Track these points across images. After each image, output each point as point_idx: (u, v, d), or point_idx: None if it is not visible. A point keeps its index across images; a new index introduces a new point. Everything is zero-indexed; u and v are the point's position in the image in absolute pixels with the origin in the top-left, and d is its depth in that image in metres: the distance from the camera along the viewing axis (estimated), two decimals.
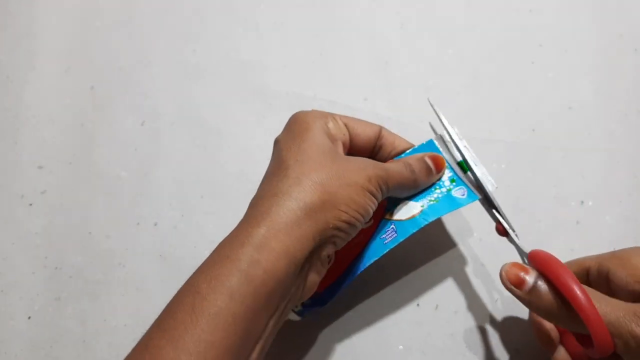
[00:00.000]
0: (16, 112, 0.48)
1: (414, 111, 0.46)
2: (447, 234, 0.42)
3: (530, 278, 0.30)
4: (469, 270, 0.41)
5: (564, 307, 0.29)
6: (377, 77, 0.47)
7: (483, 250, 0.41)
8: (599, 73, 0.46)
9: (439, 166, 0.37)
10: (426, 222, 0.35)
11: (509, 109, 0.45)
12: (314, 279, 0.32)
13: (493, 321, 0.40)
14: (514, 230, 0.35)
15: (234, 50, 0.49)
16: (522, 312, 0.40)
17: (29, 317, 0.42)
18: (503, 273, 0.31)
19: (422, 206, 0.36)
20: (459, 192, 0.37)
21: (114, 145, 0.47)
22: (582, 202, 0.42)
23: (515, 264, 0.31)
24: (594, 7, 0.47)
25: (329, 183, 0.31)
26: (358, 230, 0.33)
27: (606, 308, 0.28)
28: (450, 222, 0.42)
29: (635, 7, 0.47)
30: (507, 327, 0.39)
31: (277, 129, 0.46)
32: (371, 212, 0.33)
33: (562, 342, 0.36)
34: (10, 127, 0.48)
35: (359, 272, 0.35)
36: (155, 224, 0.44)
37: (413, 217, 0.36)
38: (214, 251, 0.30)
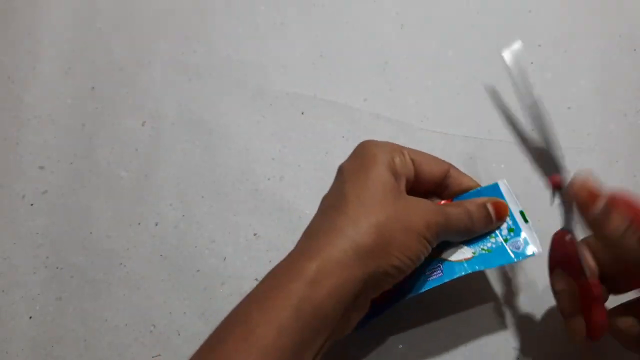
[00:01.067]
0: (17, 112, 0.48)
1: (414, 111, 0.46)
2: None
3: (601, 200, 0.29)
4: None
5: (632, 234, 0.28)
6: (377, 77, 0.47)
7: None
8: (598, 73, 0.46)
9: (501, 215, 0.36)
10: (473, 271, 0.34)
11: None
12: (356, 317, 0.32)
13: (493, 321, 0.40)
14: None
15: (234, 50, 0.49)
16: (522, 312, 0.40)
17: (30, 317, 0.42)
18: (573, 189, 0.30)
19: (473, 253, 0.35)
20: (514, 245, 0.35)
21: (114, 145, 0.47)
22: None
23: (584, 184, 0.30)
24: (593, 8, 0.48)
25: (387, 226, 0.30)
26: (407, 274, 0.32)
27: None
28: None
29: (635, 8, 0.47)
30: (507, 326, 0.39)
31: (277, 129, 0.46)
32: (423, 258, 0.32)
33: (582, 312, 0.34)
34: (12, 127, 0.48)
35: (394, 304, 0.35)
36: (156, 224, 0.44)
37: (463, 260, 0.35)
38: (264, 279, 0.30)
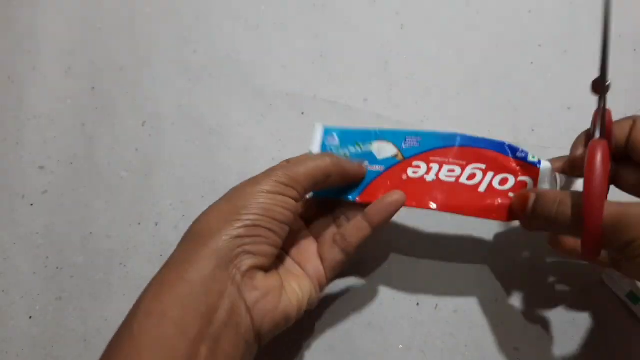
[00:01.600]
0: (17, 112, 0.48)
1: (414, 111, 0.46)
2: (446, 233, 0.42)
3: (530, 200, 0.32)
4: (469, 269, 0.41)
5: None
6: (377, 77, 0.47)
7: (482, 251, 0.41)
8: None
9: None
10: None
11: (509, 109, 0.45)
12: (252, 295, 0.30)
13: (492, 320, 0.40)
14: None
15: (234, 50, 0.49)
16: (522, 311, 0.40)
17: (30, 317, 0.42)
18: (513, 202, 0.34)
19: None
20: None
21: (114, 145, 0.47)
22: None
23: (514, 199, 0.34)
24: (593, 8, 0.48)
25: (220, 207, 0.32)
26: (279, 233, 0.32)
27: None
28: (450, 223, 0.42)
29: (635, 8, 0.47)
30: (506, 326, 0.39)
31: (278, 129, 0.46)
32: (282, 211, 0.32)
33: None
34: (12, 127, 0.48)
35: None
36: (156, 224, 0.44)
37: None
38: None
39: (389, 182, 0.36)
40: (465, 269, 0.41)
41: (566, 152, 0.44)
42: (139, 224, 0.44)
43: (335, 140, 0.38)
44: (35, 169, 0.46)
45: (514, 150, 0.36)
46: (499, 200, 0.35)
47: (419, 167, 0.36)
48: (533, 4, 0.48)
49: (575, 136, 0.44)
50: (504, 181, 0.35)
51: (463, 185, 0.35)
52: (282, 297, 0.32)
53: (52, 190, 0.46)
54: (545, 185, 0.35)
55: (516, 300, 0.40)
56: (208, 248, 0.30)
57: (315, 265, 0.36)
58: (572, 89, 0.46)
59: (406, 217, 0.42)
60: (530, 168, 0.35)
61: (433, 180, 0.35)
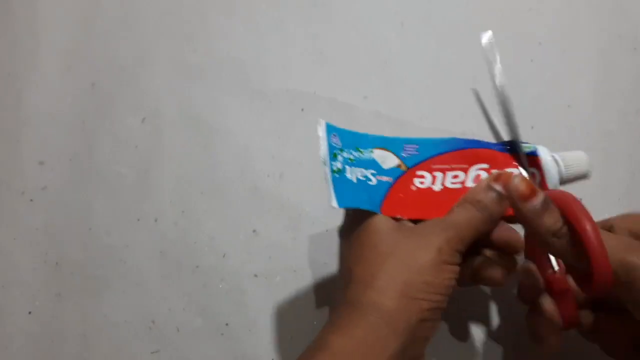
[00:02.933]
0: (17, 109, 0.48)
1: (414, 109, 0.46)
2: None
3: (541, 194, 0.28)
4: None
5: (568, 231, 0.28)
6: (377, 76, 0.47)
7: None
8: (598, 72, 0.46)
9: (507, 185, 0.31)
10: None
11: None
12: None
13: (491, 319, 0.40)
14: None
15: (234, 48, 0.49)
16: (519, 310, 0.40)
17: (30, 313, 0.42)
18: (513, 183, 0.29)
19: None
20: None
21: (114, 142, 0.47)
22: (581, 199, 0.42)
23: (524, 178, 0.29)
24: (593, 7, 0.48)
25: (398, 276, 0.28)
26: (445, 306, 0.29)
27: (608, 239, 0.27)
28: None
29: (635, 7, 0.48)
30: (505, 324, 0.39)
31: (277, 127, 0.46)
32: (454, 282, 0.29)
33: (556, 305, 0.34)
34: (12, 124, 0.48)
35: None
36: (156, 221, 0.44)
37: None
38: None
39: (401, 195, 0.34)
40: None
41: (565, 149, 0.44)
42: (139, 220, 0.44)
43: (338, 141, 0.35)
44: (35, 165, 0.47)
45: (509, 145, 0.35)
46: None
47: (423, 177, 0.34)
48: (533, 2, 0.48)
49: (575, 134, 0.44)
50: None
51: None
52: None
53: (52, 187, 0.46)
54: (550, 172, 0.35)
55: (514, 299, 0.40)
56: (395, 329, 0.27)
57: None
58: (572, 87, 0.46)
59: None
60: (532, 159, 0.35)
61: (441, 190, 0.34)
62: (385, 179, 0.34)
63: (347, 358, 0.27)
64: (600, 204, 0.42)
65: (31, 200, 0.45)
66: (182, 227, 0.44)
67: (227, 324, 0.41)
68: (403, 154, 0.35)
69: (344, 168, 0.33)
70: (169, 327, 0.41)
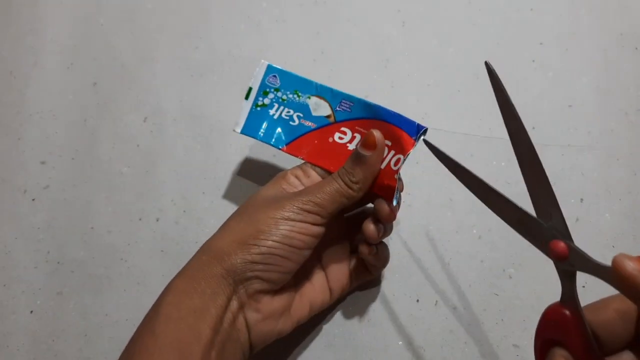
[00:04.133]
0: (19, 108, 0.48)
1: (415, 109, 0.46)
2: (446, 230, 0.42)
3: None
4: (468, 266, 0.41)
5: None
6: (378, 74, 0.47)
7: (482, 247, 0.42)
8: (599, 71, 0.46)
9: (369, 145, 0.34)
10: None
11: None
12: (254, 317, 0.32)
13: (492, 317, 0.40)
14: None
15: (235, 47, 0.49)
16: (520, 309, 0.40)
17: (31, 311, 0.42)
18: (628, 266, 0.23)
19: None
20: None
21: (116, 141, 0.47)
22: (582, 199, 0.43)
23: (632, 258, 0.24)
24: (594, 6, 0.48)
25: (239, 227, 0.33)
26: (295, 260, 0.33)
27: None
28: (449, 218, 0.42)
29: (636, 6, 0.48)
30: (506, 323, 0.39)
31: None
32: (302, 238, 0.32)
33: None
34: (14, 122, 0.48)
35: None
36: (157, 220, 0.44)
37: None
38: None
39: (316, 141, 0.37)
40: (465, 265, 0.41)
41: (566, 149, 0.44)
42: (140, 219, 0.44)
43: (277, 81, 0.39)
44: (37, 164, 0.47)
45: (419, 129, 0.35)
46: (389, 183, 0.35)
47: (345, 133, 0.37)
48: (535, 2, 0.48)
49: (577, 134, 0.44)
50: (397, 162, 0.35)
51: None
52: (281, 319, 0.34)
53: (54, 186, 0.46)
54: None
55: (516, 298, 0.40)
56: (221, 266, 0.31)
57: (341, 272, 0.38)
58: (573, 87, 0.46)
59: (406, 214, 0.42)
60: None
61: (353, 150, 0.36)
62: (308, 123, 0.38)
63: (180, 292, 0.31)
64: (601, 203, 0.42)
65: (33, 199, 0.45)
66: (184, 226, 0.44)
67: None
68: (337, 108, 0.37)
69: (270, 105, 0.39)
70: None
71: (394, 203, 0.34)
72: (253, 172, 0.45)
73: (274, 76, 0.39)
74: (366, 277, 0.39)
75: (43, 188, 0.46)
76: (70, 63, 0.50)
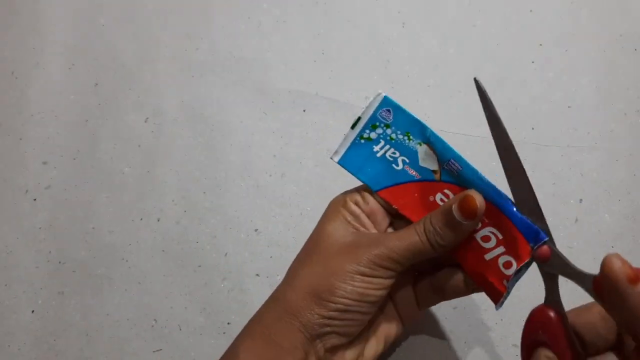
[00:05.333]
0: (21, 108, 0.49)
1: (415, 109, 0.46)
2: None
3: None
4: None
5: None
6: (379, 75, 0.47)
7: None
8: (599, 72, 0.46)
9: (469, 213, 0.30)
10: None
11: (509, 108, 0.45)
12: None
13: (491, 317, 0.40)
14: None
15: (236, 48, 0.49)
16: (519, 308, 0.40)
17: (33, 311, 0.42)
18: (616, 264, 0.25)
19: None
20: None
21: (117, 141, 0.47)
22: (581, 200, 0.43)
23: (624, 260, 0.25)
24: (594, 7, 0.48)
25: (313, 278, 0.31)
26: (370, 312, 0.32)
27: None
28: None
29: (635, 7, 0.48)
30: (505, 322, 0.40)
31: (279, 126, 0.47)
32: (376, 293, 0.31)
33: None
34: (15, 123, 0.48)
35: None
36: (158, 220, 0.44)
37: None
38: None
39: (416, 194, 0.34)
40: None
41: (565, 150, 0.44)
42: (141, 219, 0.44)
43: (389, 116, 0.34)
44: (39, 164, 0.47)
45: (533, 234, 0.31)
46: (494, 281, 0.32)
47: (448, 197, 0.33)
48: (534, 3, 0.48)
49: (575, 134, 0.45)
50: (507, 264, 0.31)
51: (475, 241, 0.32)
52: None
53: (55, 186, 0.46)
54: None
55: (516, 298, 0.40)
56: (298, 321, 0.31)
57: (409, 300, 0.35)
58: (573, 88, 0.46)
59: None
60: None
61: (445, 205, 0.32)
62: (412, 172, 0.34)
63: (258, 339, 0.31)
64: (601, 203, 0.43)
65: (34, 199, 0.46)
66: (184, 226, 0.44)
67: (228, 323, 0.42)
68: (445, 166, 0.33)
69: (376, 140, 0.34)
70: (171, 325, 0.42)
71: (497, 309, 0.32)
72: (254, 172, 0.45)
73: (388, 110, 0.35)
74: (435, 302, 0.36)
75: (44, 188, 0.46)
76: (72, 63, 0.50)
